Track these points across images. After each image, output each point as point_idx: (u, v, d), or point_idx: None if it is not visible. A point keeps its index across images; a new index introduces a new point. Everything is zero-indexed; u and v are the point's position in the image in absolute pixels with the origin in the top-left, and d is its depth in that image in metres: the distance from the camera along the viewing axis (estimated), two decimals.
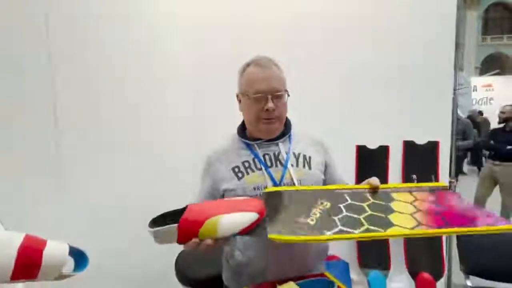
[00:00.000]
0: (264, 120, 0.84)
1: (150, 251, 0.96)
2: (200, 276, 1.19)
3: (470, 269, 1.52)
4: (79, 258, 0.71)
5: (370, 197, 0.65)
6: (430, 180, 1.62)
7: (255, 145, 0.89)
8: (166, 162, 1.53)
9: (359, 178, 1.67)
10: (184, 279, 1.24)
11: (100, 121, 1.32)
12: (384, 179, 1.65)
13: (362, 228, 0.53)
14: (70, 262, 0.69)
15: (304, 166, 0.89)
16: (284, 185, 0.85)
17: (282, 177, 0.85)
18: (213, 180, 0.89)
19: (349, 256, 1.67)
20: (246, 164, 0.86)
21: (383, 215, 0.57)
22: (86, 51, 1.30)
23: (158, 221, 0.65)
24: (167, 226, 0.63)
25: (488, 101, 8.39)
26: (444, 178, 1.63)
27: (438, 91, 1.62)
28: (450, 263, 1.83)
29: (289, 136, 0.93)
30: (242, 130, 0.93)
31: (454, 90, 1.84)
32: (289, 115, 1.67)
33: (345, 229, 0.53)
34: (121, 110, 1.41)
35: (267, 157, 0.88)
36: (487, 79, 9.20)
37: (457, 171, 1.92)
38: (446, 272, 1.66)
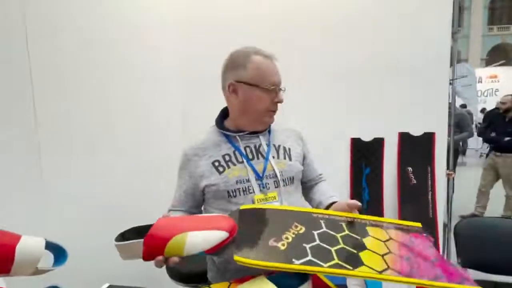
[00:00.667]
0: (271, 112, 0.86)
1: None
2: (190, 271, 1.20)
3: (467, 262, 1.50)
4: (58, 253, 0.71)
5: (345, 227, 0.64)
6: (426, 172, 1.59)
7: (237, 137, 0.87)
8: (152, 162, 1.52)
9: (354, 172, 1.65)
10: (175, 275, 1.25)
11: (83, 121, 1.31)
12: (379, 172, 1.63)
13: (332, 262, 0.52)
14: (49, 257, 0.69)
15: (284, 157, 0.89)
16: (266, 177, 0.84)
17: (264, 169, 0.84)
18: (192, 176, 0.86)
19: None
20: (227, 158, 0.84)
21: (354, 251, 0.56)
22: (68, 50, 1.29)
23: (127, 235, 0.63)
24: (132, 241, 0.60)
25: (493, 93, 8.24)
26: (440, 170, 1.60)
27: (434, 82, 1.58)
28: (449, 256, 1.81)
29: (269, 129, 0.92)
30: (222, 122, 0.91)
31: (451, 80, 1.81)
32: (285, 108, 1.66)
33: (314, 260, 0.52)
34: (104, 109, 1.40)
35: (248, 149, 0.86)
36: (492, 70, 9.02)
37: (454, 163, 1.89)
38: None
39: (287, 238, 0.59)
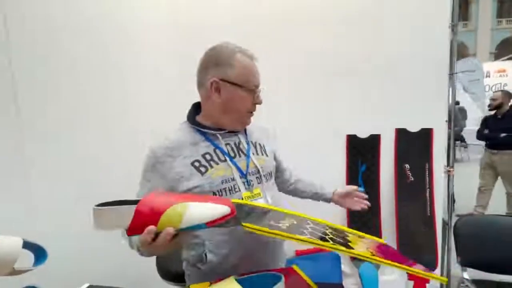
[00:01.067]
0: (250, 113, 0.86)
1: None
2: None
3: (468, 262, 1.46)
4: (39, 253, 0.70)
5: (329, 228, 0.69)
6: (423, 169, 1.55)
7: (218, 136, 0.84)
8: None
9: (350, 169, 1.62)
10: (167, 274, 1.24)
11: (80, 122, 1.30)
12: (375, 169, 1.60)
13: (328, 243, 0.55)
14: (29, 257, 0.69)
15: (262, 153, 0.90)
16: (249, 174, 0.84)
17: (247, 166, 0.84)
18: (164, 179, 0.79)
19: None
20: (208, 157, 0.81)
21: (343, 241, 0.61)
22: (62, 49, 1.29)
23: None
24: (121, 206, 0.54)
25: (502, 87, 8.02)
26: (438, 166, 1.56)
27: (432, 76, 1.54)
28: (449, 255, 1.77)
29: None
30: (195, 119, 0.86)
31: (450, 75, 1.76)
32: (279, 105, 1.62)
33: (313, 238, 0.55)
34: (101, 109, 1.39)
35: (228, 147, 0.85)
36: (501, 64, 8.79)
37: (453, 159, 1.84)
38: (439, 263, 1.60)
39: (284, 223, 0.60)
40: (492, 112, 3.38)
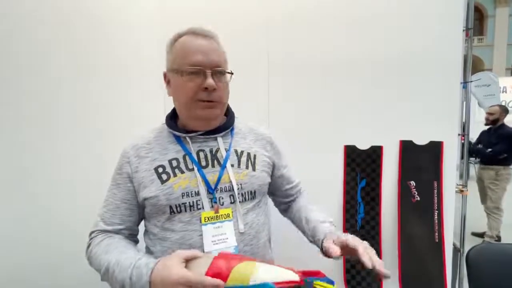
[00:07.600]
0: (202, 103, 0.67)
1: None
2: None
3: None
4: None
5: None
6: (432, 188, 1.36)
7: (187, 139, 0.70)
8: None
9: (348, 184, 1.45)
10: None
11: (29, 121, 1.20)
12: (376, 186, 1.42)
13: None
14: None
15: (247, 167, 0.72)
16: (221, 190, 0.68)
17: (219, 180, 0.68)
18: (130, 182, 0.69)
19: (335, 274, 1.45)
20: (174, 163, 0.68)
21: None
22: (56, 47, 1.21)
23: None
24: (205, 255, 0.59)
25: None
26: (449, 185, 1.36)
27: (443, 83, 1.37)
28: (460, 287, 1.56)
29: (232, 130, 0.75)
30: (172, 119, 0.75)
31: (464, 83, 1.59)
32: (275, 112, 1.50)
33: None
34: (58, 109, 1.28)
35: (201, 154, 0.70)
36: None
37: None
38: None
39: None
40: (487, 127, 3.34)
